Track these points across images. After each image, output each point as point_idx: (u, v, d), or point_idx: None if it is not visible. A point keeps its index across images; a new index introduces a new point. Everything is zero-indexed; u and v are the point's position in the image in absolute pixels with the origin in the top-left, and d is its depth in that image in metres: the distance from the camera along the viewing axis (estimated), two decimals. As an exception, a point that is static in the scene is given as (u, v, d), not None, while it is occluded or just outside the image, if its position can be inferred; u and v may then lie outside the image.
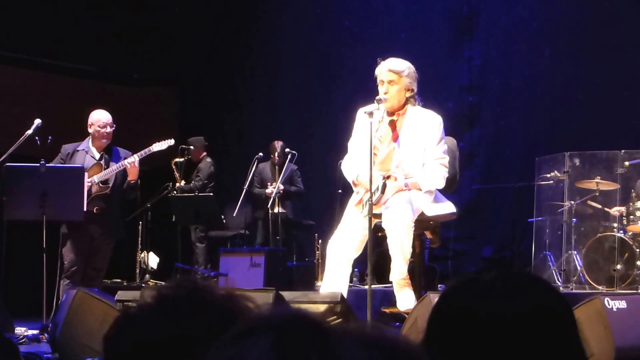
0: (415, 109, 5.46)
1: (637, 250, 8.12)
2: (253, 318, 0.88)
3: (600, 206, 8.69)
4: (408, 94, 5.40)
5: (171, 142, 7.32)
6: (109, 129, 6.97)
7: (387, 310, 5.86)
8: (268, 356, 0.82)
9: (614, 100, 9.66)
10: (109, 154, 7.03)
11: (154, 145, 7.18)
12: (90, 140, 7.01)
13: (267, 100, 11.46)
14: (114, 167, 6.89)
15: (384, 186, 5.11)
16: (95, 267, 7.01)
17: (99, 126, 6.94)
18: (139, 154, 6.95)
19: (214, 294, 1.25)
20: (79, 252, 6.86)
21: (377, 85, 5.42)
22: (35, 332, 6.17)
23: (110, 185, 6.92)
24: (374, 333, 0.85)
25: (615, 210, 8.53)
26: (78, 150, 6.98)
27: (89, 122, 6.99)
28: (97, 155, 6.97)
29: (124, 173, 6.94)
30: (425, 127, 5.39)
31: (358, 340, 0.83)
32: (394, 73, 5.36)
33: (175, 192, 9.54)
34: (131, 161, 6.84)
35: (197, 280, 1.31)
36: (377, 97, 5.25)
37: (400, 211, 5.18)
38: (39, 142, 6.95)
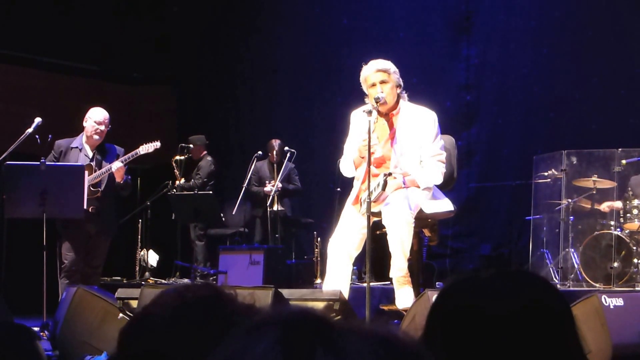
0: (408, 105, 5.47)
1: (634, 248, 8.14)
2: (260, 315, 0.90)
3: (590, 204, 8.70)
4: (398, 90, 5.43)
5: (157, 144, 7.24)
6: (103, 128, 6.92)
7: (385, 308, 5.88)
8: (274, 350, 0.83)
9: (611, 99, 9.69)
10: (102, 152, 7.02)
11: (140, 147, 7.14)
12: (84, 137, 6.99)
13: (266, 98, 11.46)
14: (103, 170, 6.86)
15: (385, 183, 5.10)
16: (92, 264, 7.02)
17: (95, 121, 6.90)
18: (124, 157, 6.93)
19: (237, 305, 1.23)
20: (76, 251, 6.87)
21: (367, 90, 5.39)
22: (35, 329, 6.17)
23: (100, 189, 6.90)
24: (379, 329, 0.87)
25: (605, 207, 8.54)
26: (72, 148, 6.95)
27: (86, 116, 6.97)
28: (90, 154, 6.96)
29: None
30: (421, 125, 5.39)
31: (363, 335, 0.85)
32: (383, 72, 5.37)
33: (175, 190, 9.55)
34: (116, 167, 6.83)
35: (219, 288, 1.29)
36: (376, 97, 5.23)
37: (400, 208, 5.19)
38: (39, 141, 6.92)
